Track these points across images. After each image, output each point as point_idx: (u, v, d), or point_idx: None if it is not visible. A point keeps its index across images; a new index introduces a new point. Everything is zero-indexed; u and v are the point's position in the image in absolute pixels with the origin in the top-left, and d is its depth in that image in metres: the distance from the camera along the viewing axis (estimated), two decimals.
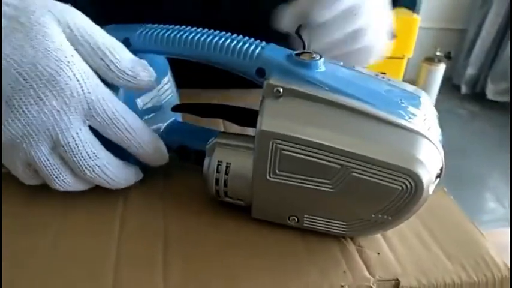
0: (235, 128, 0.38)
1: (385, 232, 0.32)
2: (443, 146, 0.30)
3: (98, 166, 0.31)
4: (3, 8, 0.28)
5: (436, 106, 0.32)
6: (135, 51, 0.34)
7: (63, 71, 0.28)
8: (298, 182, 0.29)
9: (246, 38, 0.32)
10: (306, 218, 0.31)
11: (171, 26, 0.33)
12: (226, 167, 0.31)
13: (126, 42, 0.33)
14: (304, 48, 0.37)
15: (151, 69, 0.32)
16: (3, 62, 0.27)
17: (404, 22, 1.94)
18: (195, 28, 0.33)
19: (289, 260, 0.30)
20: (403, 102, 0.30)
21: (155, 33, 0.33)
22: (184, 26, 0.33)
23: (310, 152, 0.28)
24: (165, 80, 0.39)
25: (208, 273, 0.28)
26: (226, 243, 0.31)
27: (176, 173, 0.37)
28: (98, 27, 0.31)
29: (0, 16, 0.28)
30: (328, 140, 0.28)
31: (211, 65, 0.32)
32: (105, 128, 0.30)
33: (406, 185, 0.27)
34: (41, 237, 0.30)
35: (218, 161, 0.32)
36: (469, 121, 2.85)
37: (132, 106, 0.33)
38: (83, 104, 0.29)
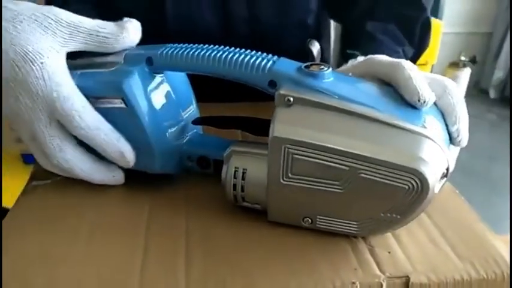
0: (252, 138, 0.40)
1: (397, 232, 0.34)
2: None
3: (63, 158, 0.35)
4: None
5: None
6: (157, 69, 0.36)
7: (33, 71, 0.32)
8: (309, 184, 0.31)
9: (259, 53, 0.35)
10: (319, 219, 0.33)
11: (190, 45, 0.36)
12: (243, 172, 0.34)
13: (149, 61, 0.36)
14: (313, 60, 0.39)
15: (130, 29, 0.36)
16: None
17: None
18: (211, 46, 0.36)
19: (303, 259, 0.31)
20: (408, 107, 0.31)
21: (174, 52, 0.35)
22: (201, 45, 0.36)
23: (319, 155, 0.30)
24: (191, 107, 0.41)
25: (227, 269, 0.30)
26: (244, 244, 0.33)
27: (197, 181, 0.39)
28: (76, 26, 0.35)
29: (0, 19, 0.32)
30: (336, 143, 0.29)
31: (227, 79, 0.35)
32: (66, 125, 0.34)
33: (412, 184, 0.29)
34: (73, 240, 0.33)
35: (235, 168, 0.34)
36: (498, 125, 2.79)
37: (160, 128, 0.36)
38: (47, 101, 0.32)
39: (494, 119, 2.91)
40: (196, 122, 0.40)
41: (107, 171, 0.37)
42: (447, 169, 0.31)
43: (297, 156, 0.30)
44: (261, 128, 0.37)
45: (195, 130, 0.41)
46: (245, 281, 0.29)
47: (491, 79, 3.22)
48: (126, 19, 0.36)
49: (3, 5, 0.33)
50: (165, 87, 0.38)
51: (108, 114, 0.36)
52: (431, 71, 2.04)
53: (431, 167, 0.29)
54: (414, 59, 0.55)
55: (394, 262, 0.31)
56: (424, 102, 0.31)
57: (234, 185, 0.34)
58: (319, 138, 0.30)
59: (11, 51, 0.32)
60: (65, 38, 0.34)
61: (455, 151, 0.35)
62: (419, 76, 0.32)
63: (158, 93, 0.37)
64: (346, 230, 0.33)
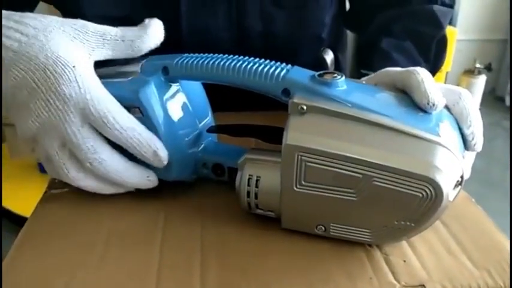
0: (265, 146, 0.40)
1: (412, 240, 0.34)
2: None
3: (97, 159, 0.34)
4: (25, 28, 0.33)
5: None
6: (172, 79, 0.37)
7: (65, 74, 0.32)
8: (323, 192, 0.31)
9: (272, 62, 0.35)
10: (333, 226, 0.33)
11: (205, 55, 0.37)
12: (256, 180, 0.34)
13: (165, 71, 0.36)
14: (326, 68, 0.39)
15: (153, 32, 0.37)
16: (21, 70, 0.32)
17: None
18: (225, 55, 0.36)
19: (318, 268, 0.31)
20: (422, 115, 0.31)
21: (190, 61, 0.36)
22: (216, 54, 0.36)
23: (332, 163, 0.30)
24: (206, 116, 0.42)
25: (243, 280, 0.30)
26: (258, 252, 0.33)
27: (212, 188, 0.40)
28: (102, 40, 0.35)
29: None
30: (349, 151, 0.30)
31: (241, 88, 0.35)
32: (100, 127, 0.34)
33: (426, 192, 0.29)
34: (90, 247, 0.33)
35: (249, 175, 0.34)
36: None
37: (176, 137, 0.37)
38: (80, 103, 0.33)
39: (510, 126, 2.86)
40: (211, 130, 0.41)
41: (142, 173, 0.37)
42: (461, 177, 0.31)
43: (310, 163, 0.31)
44: (274, 136, 0.37)
45: (210, 138, 0.42)
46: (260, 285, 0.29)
47: (506, 86, 3.17)
48: (147, 20, 0.37)
49: (33, 16, 0.34)
50: (181, 96, 0.38)
51: None
52: (445, 78, 2.02)
53: (446, 175, 0.29)
54: None
55: (409, 271, 0.31)
56: (434, 105, 0.31)
57: (248, 193, 0.34)
58: (333, 146, 0.30)
59: (42, 56, 0.32)
60: (92, 47, 0.35)
61: (470, 157, 0.35)
62: (431, 81, 0.32)
63: (174, 102, 0.37)
64: (360, 238, 0.32)
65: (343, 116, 0.31)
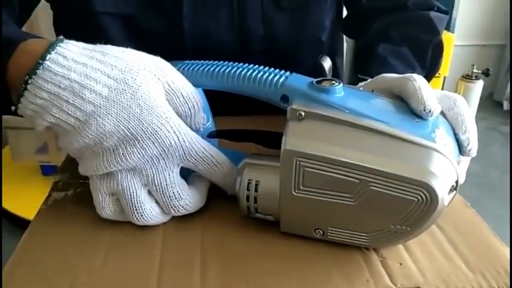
0: (265, 151, 0.41)
1: (408, 244, 0.34)
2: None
3: (182, 206, 0.35)
4: (111, 71, 0.32)
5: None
6: None
7: (163, 125, 0.32)
8: (321, 196, 0.32)
9: (271, 69, 0.36)
10: (330, 230, 0.33)
11: (205, 62, 0.37)
12: (256, 184, 0.35)
13: None
14: (325, 75, 0.40)
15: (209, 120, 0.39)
16: (113, 119, 0.32)
17: None
18: (225, 62, 0.37)
19: (316, 270, 0.32)
20: (418, 121, 0.32)
21: (190, 68, 0.37)
22: (216, 61, 0.37)
23: (330, 168, 0.31)
24: (208, 124, 0.42)
25: (242, 281, 0.31)
26: (258, 255, 0.33)
27: (212, 193, 0.40)
28: (182, 77, 0.35)
29: None
30: (346, 156, 0.30)
31: (240, 94, 0.36)
32: (197, 166, 0.35)
33: (422, 197, 0.29)
34: (92, 250, 0.34)
35: (248, 180, 0.35)
36: None
37: None
38: (179, 150, 0.33)
39: (508, 131, 2.87)
40: (211, 135, 0.42)
41: (202, 197, 0.37)
42: (456, 182, 0.31)
43: (308, 169, 0.31)
44: (273, 141, 0.38)
45: (210, 143, 0.42)
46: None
47: (504, 91, 3.19)
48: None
49: (115, 54, 0.33)
50: None
51: None
52: (443, 83, 2.03)
53: (441, 180, 0.29)
54: None
55: (405, 273, 0.32)
56: (430, 112, 0.32)
57: (248, 197, 0.35)
58: (330, 152, 0.31)
59: (135, 105, 0.32)
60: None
61: (465, 162, 0.36)
62: (427, 88, 0.33)
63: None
64: (357, 242, 0.33)
65: (341, 122, 0.31)
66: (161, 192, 0.34)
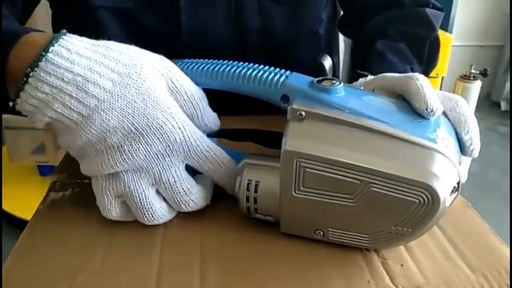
0: (265, 150, 0.41)
1: (409, 245, 0.34)
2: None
3: (192, 201, 0.35)
4: (115, 65, 0.32)
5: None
6: None
7: (168, 121, 0.32)
8: (321, 197, 0.31)
9: (272, 68, 0.36)
10: (331, 231, 0.33)
11: (204, 61, 0.37)
12: (256, 185, 0.34)
13: None
14: (325, 74, 0.40)
15: (218, 122, 0.38)
16: (117, 114, 0.31)
17: None
18: (225, 61, 0.37)
19: (317, 271, 0.32)
20: (419, 122, 0.32)
21: (190, 67, 0.36)
22: (215, 60, 0.37)
23: (330, 168, 0.30)
24: None
25: (242, 282, 0.31)
26: (258, 255, 0.33)
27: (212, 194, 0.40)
28: (186, 76, 0.35)
29: None
30: (347, 157, 0.30)
31: (240, 93, 0.36)
32: (201, 165, 0.35)
33: (423, 198, 0.29)
34: (91, 251, 0.33)
35: (248, 180, 0.35)
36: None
37: None
38: (183, 147, 0.33)
39: (506, 131, 2.88)
40: (211, 134, 0.41)
41: (209, 193, 0.37)
42: (458, 183, 0.31)
43: (308, 169, 0.31)
44: (274, 141, 0.38)
45: None
46: None
47: (502, 92, 3.20)
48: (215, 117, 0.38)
49: (118, 49, 0.33)
50: None
51: None
52: (441, 84, 2.03)
53: (442, 182, 0.29)
54: None
55: (406, 275, 0.31)
56: (432, 111, 0.31)
57: (247, 197, 0.35)
58: (331, 152, 0.30)
59: (139, 100, 0.31)
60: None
61: (467, 162, 0.36)
62: (429, 87, 0.33)
63: None
64: (358, 243, 0.33)
65: (342, 122, 0.31)
66: (170, 189, 0.34)
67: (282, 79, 0.34)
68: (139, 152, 0.32)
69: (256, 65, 0.36)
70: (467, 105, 0.34)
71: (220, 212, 0.38)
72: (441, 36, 1.96)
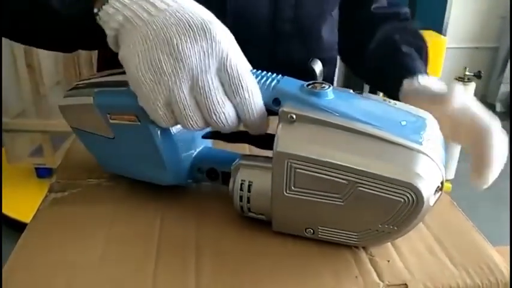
0: (258, 152, 0.42)
1: (396, 242, 0.35)
2: None
3: (223, 113, 0.35)
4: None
5: None
6: None
7: (216, 22, 0.35)
8: (311, 197, 0.33)
9: (264, 72, 0.37)
10: (321, 229, 0.34)
11: None
12: (249, 185, 0.36)
13: None
14: (315, 78, 0.41)
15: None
16: (179, 15, 0.34)
17: (431, 44, 1.95)
18: None
19: (307, 268, 0.33)
20: (405, 124, 0.33)
21: None
22: None
23: (320, 169, 0.32)
24: None
25: (235, 280, 0.32)
26: (251, 254, 0.34)
27: (206, 192, 0.42)
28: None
29: None
30: (335, 158, 0.31)
31: None
32: (229, 85, 0.34)
33: (408, 198, 0.31)
34: (90, 247, 0.35)
35: (241, 180, 0.36)
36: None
37: (172, 143, 0.39)
38: (223, 53, 0.34)
39: (510, 132, 2.90)
40: (206, 136, 0.43)
41: (238, 119, 0.36)
42: (442, 183, 0.33)
43: (299, 170, 0.32)
44: (266, 142, 0.39)
45: (204, 144, 0.43)
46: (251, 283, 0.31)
47: (497, 93, 3.23)
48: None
49: None
50: None
51: (123, 130, 0.38)
52: None
53: (426, 182, 0.31)
54: None
55: (393, 271, 0.33)
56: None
57: (241, 197, 0.36)
58: (320, 154, 0.32)
59: (200, 11, 0.35)
60: None
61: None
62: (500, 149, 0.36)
63: None
64: (346, 241, 0.34)
65: (331, 124, 0.33)
66: (205, 95, 0.34)
67: (273, 83, 0.36)
68: (185, 46, 0.34)
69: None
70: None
71: (215, 210, 0.39)
72: (435, 39, 1.98)
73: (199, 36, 0.34)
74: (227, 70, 0.34)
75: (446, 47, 1.99)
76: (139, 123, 0.37)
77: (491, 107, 3.26)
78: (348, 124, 0.32)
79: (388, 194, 0.31)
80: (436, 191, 0.32)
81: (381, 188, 0.31)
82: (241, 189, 0.36)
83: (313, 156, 0.32)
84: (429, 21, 2.10)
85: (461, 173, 2.26)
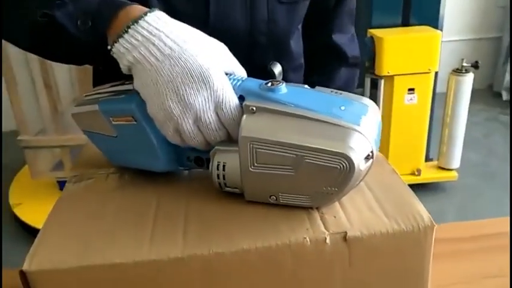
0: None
1: (343, 202, 0.44)
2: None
3: (219, 136, 0.45)
4: (191, 33, 0.45)
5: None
6: None
7: (215, 74, 0.43)
8: (270, 170, 0.42)
9: (232, 75, 0.46)
10: (281, 195, 0.44)
11: None
12: (223, 165, 0.45)
13: None
14: (274, 78, 0.50)
15: None
16: (182, 63, 0.42)
17: (427, 39, 2.02)
18: None
19: (269, 225, 0.42)
20: (344, 109, 0.42)
21: None
22: None
23: (274, 148, 0.41)
24: None
25: (215, 235, 0.41)
26: (228, 218, 0.44)
27: (195, 177, 0.51)
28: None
29: None
30: (287, 138, 0.41)
31: None
32: (224, 118, 0.44)
33: (342, 165, 0.40)
34: (103, 217, 0.44)
35: (217, 162, 0.45)
36: None
37: (164, 136, 0.47)
38: (219, 98, 0.43)
39: (507, 120, 2.94)
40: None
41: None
42: (372, 152, 0.41)
43: (259, 150, 0.42)
44: None
45: None
46: (228, 240, 0.40)
47: (503, 82, 3.26)
48: None
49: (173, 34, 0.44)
50: None
51: (124, 129, 0.48)
52: (435, 79, 2.11)
53: (357, 152, 0.39)
54: None
55: (337, 223, 0.42)
56: None
57: (218, 175, 0.45)
58: (275, 136, 0.41)
59: (201, 57, 0.43)
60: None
61: None
62: None
63: None
64: (302, 203, 0.43)
65: (283, 113, 0.42)
66: (206, 126, 0.44)
67: (239, 83, 0.45)
68: (190, 96, 0.42)
69: None
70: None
71: (202, 190, 0.48)
72: (430, 33, 2.06)
73: (201, 87, 0.43)
74: (222, 109, 0.44)
75: (442, 41, 2.06)
76: (135, 122, 0.47)
77: (497, 95, 3.29)
78: (296, 111, 0.42)
79: (328, 163, 0.40)
80: (366, 159, 0.41)
81: (322, 159, 0.40)
82: (217, 169, 0.45)
83: (269, 138, 0.41)
84: (424, 17, 2.16)
85: (467, 163, 2.32)
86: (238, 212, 0.45)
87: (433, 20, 2.17)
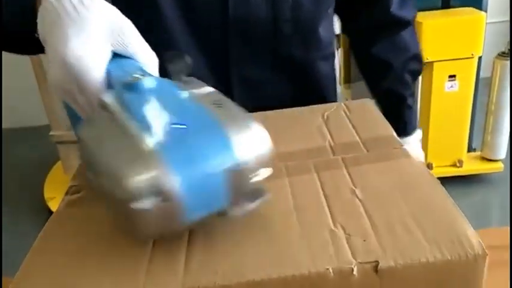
0: None
1: (373, 218, 0.38)
2: None
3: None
4: None
5: None
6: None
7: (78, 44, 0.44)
8: None
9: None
10: None
11: None
12: None
13: None
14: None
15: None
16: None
17: (470, 22, 1.88)
18: None
19: (286, 249, 0.36)
20: None
21: None
22: None
23: None
24: None
25: (223, 250, 0.36)
26: (237, 235, 0.38)
27: None
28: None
29: None
30: None
31: None
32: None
33: None
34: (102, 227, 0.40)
35: None
36: None
37: None
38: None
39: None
40: None
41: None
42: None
43: None
44: None
45: None
46: (235, 270, 0.35)
47: None
48: None
49: None
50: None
51: None
52: (478, 64, 1.97)
53: None
54: None
55: (367, 249, 0.35)
56: None
57: None
58: None
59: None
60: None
61: None
62: None
63: None
64: None
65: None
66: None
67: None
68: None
69: None
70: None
71: None
72: (473, 16, 1.91)
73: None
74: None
75: (486, 23, 1.91)
76: None
77: None
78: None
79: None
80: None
81: None
82: None
83: None
84: None
85: None
86: (248, 236, 0.38)
87: (476, 0, 2.02)
